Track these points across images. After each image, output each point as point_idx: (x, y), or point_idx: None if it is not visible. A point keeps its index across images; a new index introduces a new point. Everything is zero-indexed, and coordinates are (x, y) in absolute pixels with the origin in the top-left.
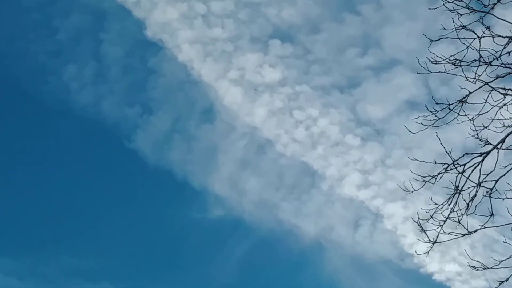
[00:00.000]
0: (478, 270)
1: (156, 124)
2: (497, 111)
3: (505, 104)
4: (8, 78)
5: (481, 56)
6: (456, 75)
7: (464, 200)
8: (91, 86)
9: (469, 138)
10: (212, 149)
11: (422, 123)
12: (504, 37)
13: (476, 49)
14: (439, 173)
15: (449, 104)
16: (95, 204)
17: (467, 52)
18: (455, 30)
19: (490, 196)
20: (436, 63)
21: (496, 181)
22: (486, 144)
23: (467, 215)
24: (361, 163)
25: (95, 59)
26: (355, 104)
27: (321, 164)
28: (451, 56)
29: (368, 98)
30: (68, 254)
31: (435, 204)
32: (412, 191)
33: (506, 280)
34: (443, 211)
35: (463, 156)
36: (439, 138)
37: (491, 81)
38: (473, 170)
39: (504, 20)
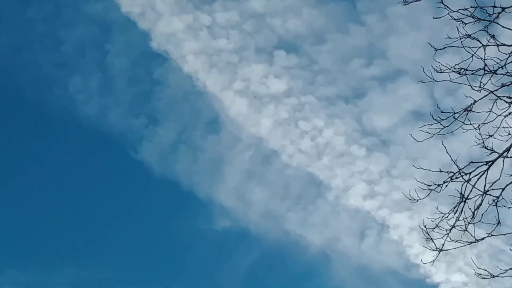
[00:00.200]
0: (485, 278)
1: (161, 135)
2: (502, 120)
3: (510, 113)
4: (14, 89)
5: (486, 65)
6: (461, 83)
7: (470, 208)
8: (97, 97)
9: (474, 147)
10: (217, 160)
11: (427, 132)
12: (509, 46)
13: (481, 58)
14: (444, 182)
15: (454, 113)
16: (101, 214)
17: (472, 61)
18: (460, 39)
19: (496, 205)
20: (441, 72)
21: (503, 189)
22: (491, 152)
23: (473, 223)
24: (366, 173)
25: (100, 70)
26: (361, 115)
27: (326, 175)
28: (456, 65)
29: (373, 108)
30: (74, 265)
31: (441, 213)
32: (417, 200)
33: None
34: (449, 220)
35: (469, 164)
36: (445, 147)
37: (496, 90)
38: (478, 179)
39: (509, 29)
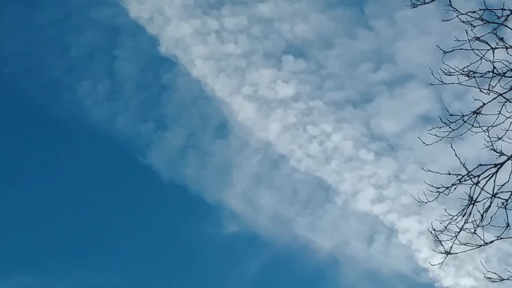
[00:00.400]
0: (494, 281)
1: (170, 140)
2: (511, 123)
3: None
4: (23, 95)
5: (494, 68)
6: (469, 86)
7: (479, 211)
8: (105, 103)
9: (483, 150)
10: (226, 164)
11: (436, 135)
12: None
13: (490, 61)
14: (453, 184)
15: (463, 116)
16: (110, 219)
17: (480, 64)
18: (469, 41)
19: (505, 208)
20: (449, 75)
21: None
22: (500, 155)
23: (482, 226)
24: (375, 178)
25: (109, 75)
26: (369, 119)
27: (335, 179)
28: (464, 67)
29: (381, 113)
30: (83, 269)
31: (450, 215)
32: (426, 203)
33: None
34: (457, 223)
35: (477, 167)
36: (454, 150)
37: (505, 93)
38: (487, 182)
39: None
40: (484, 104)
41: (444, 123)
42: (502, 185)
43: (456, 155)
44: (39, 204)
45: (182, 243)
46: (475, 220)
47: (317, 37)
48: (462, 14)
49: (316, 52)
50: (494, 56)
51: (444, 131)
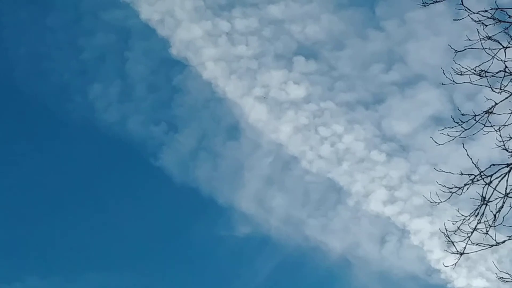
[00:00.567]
0: (507, 282)
1: (181, 142)
2: None
3: None
4: (34, 97)
5: (506, 67)
6: (481, 86)
7: (491, 211)
8: (117, 105)
9: (495, 150)
10: (237, 166)
11: (448, 135)
12: None
13: (502, 60)
14: (465, 184)
15: (475, 115)
16: (122, 221)
17: (492, 63)
18: (480, 41)
19: None
20: (461, 74)
21: None
22: None
23: (494, 226)
24: (386, 179)
25: (120, 77)
26: (380, 120)
27: (346, 181)
28: (476, 67)
29: (393, 114)
30: (96, 271)
31: (462, 215)
32: (438, 203)
33: None
34: (470, 223)
35: (490, 167)
36: (466, 149)
37: None
38: (500, 181)
39: None
40: (496, 103)
41: (456, 122)
42: None
43: (468, 155)
44: (51, 206)
45: (194, 245)
46: (487, 220)
47: (328, 38)
48: (474, 13)
49: (327, 53)
50: (506, 55)
51: (456, 131)
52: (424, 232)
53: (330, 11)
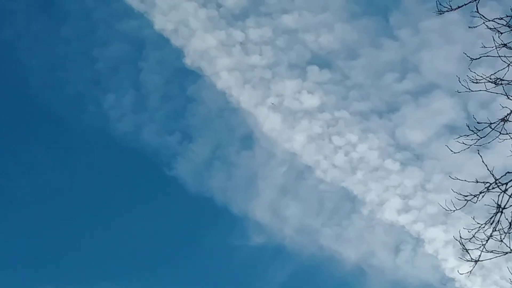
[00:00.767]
0: None
1: (196, 152)
2: None
3: None
4: (49, 108)
5: None
6: (497, 93)
7: (507, 219)
8: (131, 115)
9: (510, 158)
10: (252, 175)
11: (463, 143)
12: None
13: None
14: (481, 192)
15: (491, 123)
16: (136, 231)
17: (508, 71)
18: (496, 48)
19: None
20: (476, 82)
21: None
22: None
23: (510, 233)
24: (401, 187)
25: (134, 87)
26: (394, 129)
27: (361, 189)
28: (491, 74)
29: (407, 122)
30: (110, 280)
31: (478, 223)
32: (454, 211)
33: None
34: (485, 230)
35: (505, 175)
36: (481, 156)
37: None
38: None
39: None
40: (511, 111)
41: (472, 130)
42: None
43: (483, 161)
44: (65, 215)
45: (208, 255)
46: (502, 228)
47: (342, 48)
48: (489, 20)
49: (341, 62)
50: None
51: (472, 139)
52: (439, 240)
53: (343, 20)
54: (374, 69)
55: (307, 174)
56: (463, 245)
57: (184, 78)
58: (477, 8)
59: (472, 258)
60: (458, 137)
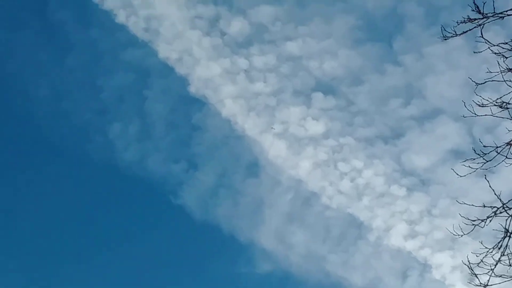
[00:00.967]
0: None
1: (201, 180)
2: None
3: None
4: (54, 138)
5: None
6: (502, 118)
7: None
8: (136, 144)
9: None
10: (258, 203)
11: (470, 166)
12: None
13: None
14: (488, 217)
15: (497, 147)
16: (144, 260)
17: None
18: (501, 73)
19: None
20: (482, 106)
21: None
22: None
23: None
24: (407, 213)
25: (139, 116)
26: (400, 155)
27: (367, 216)
28: (497, 98)
29: (412, 148)
30: None
31: (486, 247)
32: (461, 235)
33: None
34: (493, 255)
35: None
36: (488, 181)
37: None
38: None
39: None
40: None
41: (478, 154)
42: None
43: (490, 186)
44: (73, 246)
45: (215, 283)
46: (511, 252)
47: (346, 74)
48: (494, 45)
49: (346, 88)
50: None
51: (478, 163)
52: (446, 266)
53: (347, 46)
54: (379, 95)
55: (313, 200)
56: (472, 270)
57: (189, 106)
58: (481, 33)
59: (481, 283)
60: (464, 161)
